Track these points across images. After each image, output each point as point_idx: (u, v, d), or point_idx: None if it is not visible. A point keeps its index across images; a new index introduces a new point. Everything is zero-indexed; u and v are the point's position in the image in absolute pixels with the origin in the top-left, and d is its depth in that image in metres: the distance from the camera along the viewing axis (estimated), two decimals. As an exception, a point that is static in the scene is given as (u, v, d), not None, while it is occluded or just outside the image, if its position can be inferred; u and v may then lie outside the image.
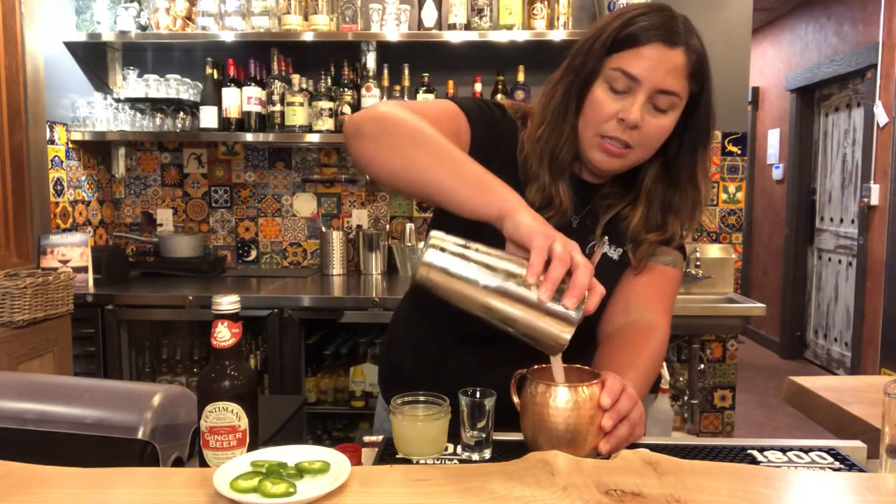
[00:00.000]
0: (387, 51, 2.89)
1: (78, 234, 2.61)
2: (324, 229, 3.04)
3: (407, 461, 0.90)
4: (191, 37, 2.80)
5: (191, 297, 2.49)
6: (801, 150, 5.41)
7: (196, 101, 2.87)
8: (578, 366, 0.93)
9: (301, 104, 2.79)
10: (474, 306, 0.81)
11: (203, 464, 0.84)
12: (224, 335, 0.83)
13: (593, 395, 0.85)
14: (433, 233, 0.83)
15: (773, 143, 5.88)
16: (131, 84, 2.88)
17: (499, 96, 2.85)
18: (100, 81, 3.02)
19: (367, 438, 0.99)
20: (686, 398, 2.85)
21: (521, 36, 2.69)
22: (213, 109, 2.81)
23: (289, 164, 3.17)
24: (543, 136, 1.07)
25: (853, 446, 0.96)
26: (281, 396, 2.42)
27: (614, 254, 1.13)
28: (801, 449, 0.95)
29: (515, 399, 0.91)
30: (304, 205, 3.18)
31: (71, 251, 2.58)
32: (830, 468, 0.89)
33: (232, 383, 0.83)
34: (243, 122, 2.83)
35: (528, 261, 0.78)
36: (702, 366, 2.99)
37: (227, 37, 2.74)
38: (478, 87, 2.89)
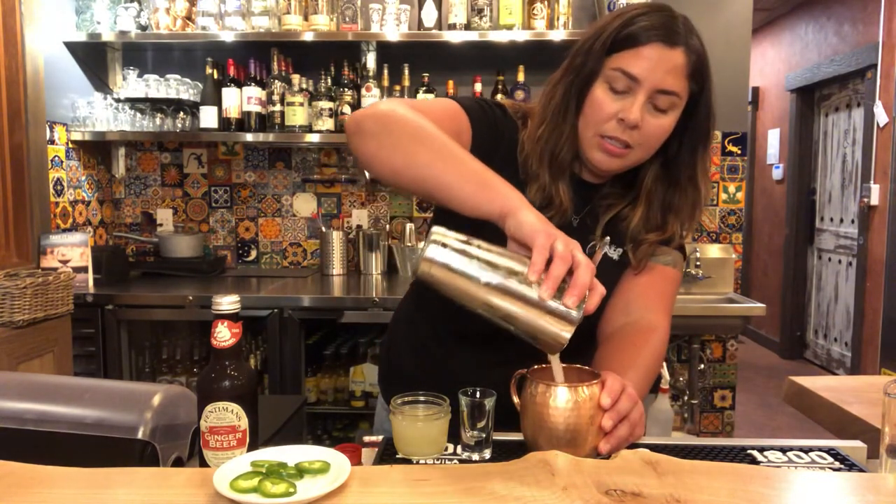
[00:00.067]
0: (387, 51, 2.89)
1: (78, 234, 2.61)
2: (324, 229, 3.04)
3: (407, 461, 0.90)
4: (191, 37, 2.80)
5: (191, 297, 2.49)
6: (801, 150, 5.41)
7: (196, 101, 2.87)
8: (578, 366, 0.93)
9: (301, 104, 2.79)
10: (475, 303, 0.81)
11: (203, 464, 0.84)
12: (224, 335, 0.83)
13: (593, 395, 0.85)
14: (435, 228, 0.83)
15: (773, 143, 5.88)
16: (131, 84, 2.88)
17: (499, 96, 2.85)
18: (100, 81, 3.02)
19: (367, 438, 0.99)
20: (686, 398, 2.85)
21: (521, 36, 2.69)
22: (213, 109, 2.81)
23: (289, 164, 3.17)
24: (543, 135, 1.07)
25: (853, 446, 0.96)
26: (281, 396, 2.42)
27: (614, 254, 1.13)
28: (801, 449, 0.95)
29: (515, 399, 0.91)
30: (304, 205, 3.18)
31: (71, 251, 2.58)
32: (830, 468, 0.89)
33: (232, 383, 0.83)
34: (243, 122, 2.83)
35: (529, 259, 0.78)
36: (702, 366, 2.99)
37: (227, 37, 2.74)
38: (478, 87, 2.89)
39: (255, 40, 2.78)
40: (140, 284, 2.74)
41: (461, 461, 0.91)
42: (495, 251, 0.81)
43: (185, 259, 2.96)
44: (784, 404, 1.51)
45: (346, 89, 2.84)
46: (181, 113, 2.92)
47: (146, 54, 3.09)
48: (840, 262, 4.96)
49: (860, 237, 4.46)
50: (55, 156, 2.74)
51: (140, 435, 0.89)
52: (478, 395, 0.92)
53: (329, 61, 2.92)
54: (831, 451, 0.94)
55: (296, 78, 2.79)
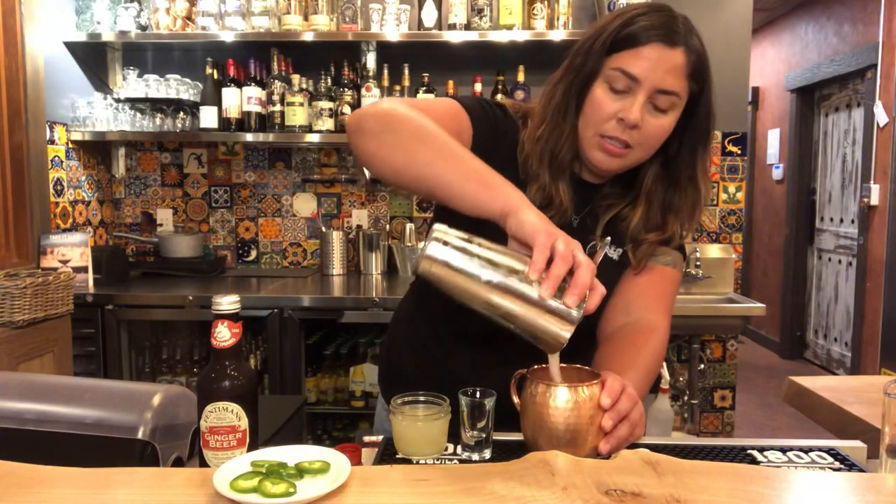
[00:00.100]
0: (387, 51, 2.89)
1: (78, 234, 2.61)
2: (324, 229, 3.04)
3: (407, 461, 0.90)
4: (191, 37, 2.80)
5: (191, 297, 2.49)
6: (801, 150, 5.41)
7: (196, 101, 2.87)
8: (578, 366, 0.93)
9: (301, 104, 2.79)
10: (475, 301, 0.81)
11: (203, 464, 0.84)
12: (224, 335, 0.83)
13: (593, 395, 0.85)
14: (436, 226, 0.83)
15: (773, 143, 5.88)
16: (131, 84, 2.88)
17: (499, 96, 2.85)
18: (100, 81, 3.02)
19: (367, 438, 0.99)
20: (686, 398, 2.85)
21: (521, 36, 2.69)
22: (213, 109, 2.81)
23: (289, 164, 3.17)
24: (543, 135, 1.07)
25: (853, 446, 0.96)
26: (281, 396, 2.42)
27: (614, 254, 1.13)
28: (801, 449, 0.95)
29: (515, 399, 0.91)
30: (304, 205, 3.18)
31: (71, 251, 2.58)
32: (830, 468, 0.89)
33: (232, 383, 0.83)
34: (243, 122, 2.83)
35: (530, 258, 0.78)
36: (702, 366, 2.99)
37: (227, 37, 2.74)
38: (478, 87, 2.89)
39: (255, 40, 2.78)
40: (140, 284, 2.74)
41: (461, 461, 0.90)
42: (496, 249, 0.81)
43: (185, 259, 2.96)
44: (784, 404, 1.51)
45: (346, 89, 2.84)
46: (181, 113, 2.92)
47: (146, 54, 3.09)
48: (840, 262, 4.96)
49: (860, 237, 4.46)
50: (55, 156, 2.74)
51: (140, 435, 0.89)
52: (478, 395, 0.92)
53: (329, 61, 2.92)
54: (831, 452, 0.94)
55: (296, 78, 2.79)
